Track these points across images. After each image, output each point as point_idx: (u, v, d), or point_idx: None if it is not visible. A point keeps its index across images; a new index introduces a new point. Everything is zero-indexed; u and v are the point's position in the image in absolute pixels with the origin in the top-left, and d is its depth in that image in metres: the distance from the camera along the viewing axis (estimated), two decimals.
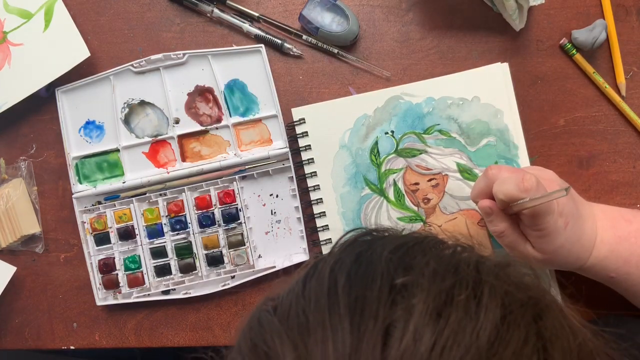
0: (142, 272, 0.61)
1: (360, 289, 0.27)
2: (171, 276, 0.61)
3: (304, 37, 0.61)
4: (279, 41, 0.61)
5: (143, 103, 0.62)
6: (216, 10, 0.61)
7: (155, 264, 0.61)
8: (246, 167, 0.61)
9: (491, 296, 0.27)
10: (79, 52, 0.60)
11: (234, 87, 0.61)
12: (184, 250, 0.61)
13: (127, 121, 0.62)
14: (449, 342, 0.24)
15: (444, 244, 0.32)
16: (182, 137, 0.62)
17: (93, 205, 0.62)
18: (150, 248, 0.61)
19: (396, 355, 0.24)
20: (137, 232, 0.61)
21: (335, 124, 0.59)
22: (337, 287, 0.28)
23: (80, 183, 0.63)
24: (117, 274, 0.61)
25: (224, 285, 0.60)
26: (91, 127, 0.63)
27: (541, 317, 0.28)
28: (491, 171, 0.47)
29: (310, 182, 0.60)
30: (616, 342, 0.32)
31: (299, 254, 0.60)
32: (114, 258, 0.62)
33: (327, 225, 0.59)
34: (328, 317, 0.26)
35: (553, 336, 0.27)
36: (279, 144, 0.61)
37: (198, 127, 0.61)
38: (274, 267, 0.60)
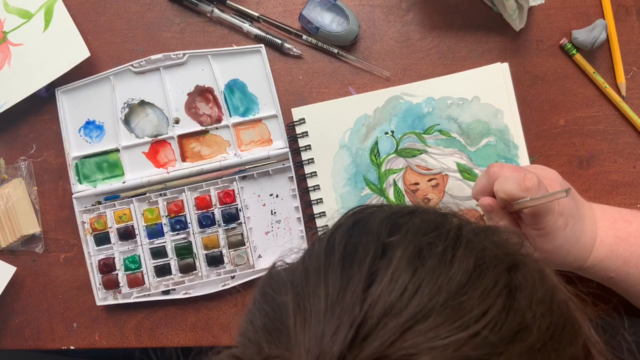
0: (142, 272, 0.61)
1: (353, 244, 0.31)
2: (171, 276, 0.61)
3: (304, 37, 0.61)
4: (279, 41, 0.61)
5: (143, 103, 0.62)
6: (216, 10, 0.61)
7: (155, 264, 0.61)
8: (246, 167, 0.61)
9: (467, 249, 0.30)
10: (79, 52, 0.60)
11: (234, 87, 0.61)
12: (184, 250, 0.61)
13: (127, 121, 0.62)
14: (423, 284, 0.28)
15: (437, 211, 0.35)
16: (182, 137, 0.62)
17: (93, 205, 0.62)
18: (150, 248, 0.61)
19: (375, 293, 0.27)
20: (137, 232, 0.61)
21: (335, 124, 0.59)
22: (335, 243, 0.32)
23: (80, 183, 0.63)
24: (117, 274, 0.61)
25: (224, 285, 0.60)
26: (91, 127, 0.63)
27: (515, 270, 0.30)
28: (493, 169, 0.47)
29: (310, 182, 0.60)
30: (595, 304, 0.34)
31: (299, 254, 0.60)
32: (114, 258, 0.62)
33: (327, 225, 0.59)
34: (324, 265, 0.30)
35: (522, 284, 0.29)
36: (279, 144, 0.61)
37: (198, 127, 0.61)
38: None
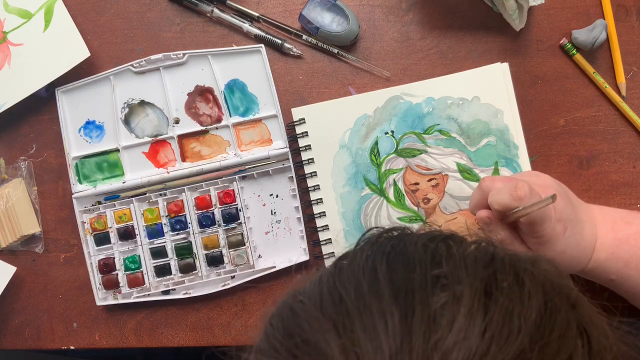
0: (142, 272, 0.61)
1: (403, 276, 0.27)
2: (171, 276, 0.61)
3: (304, 37, 0.61)
4: (279, 41, 0.61)
5: (143, 103, 0.62)
6: (216, 10, 0.61)
7: (155, 264, 0.61)
8: (246, 167, 0.61)
9: (533, 282, 0.27)
10: (79, 52, 0.60)
11: (234, 87, 0.61)
12: (184, 250, 0.61)
13: (127, 121, 0.62)
14: (499, 326, 0.25)
15: (467, 240, 0.33)
16: (182, 137, 0.62)
17: (93, 205, 0.62)
18: (150, 248, 0.61)
19: (449, 340, 0.24)
20: (137, 232, 0.61)
21: (335, 124, 0.59)
22: (378, 274, 0.28)
23: (80, 183, 0.63)
24: (117, 274, 0.61)
25: (224, 285, 0.60)
26: (91, 127, 0.63)
27: (575, 305, 0.29)
28: (484, 183, 0.47)
29: (310, 182, 0.60)
30: (630, 334, 0.32)
31: (299, 254, 0.60)
32: (114, 258, 0.62)
33: (327, 225, 0.59)
34: (374, 303, 0.26)
35: (590, 322, 0.28)
36: (279, 144, 0.61)
37: (198, 127, 0.61)
38: (274, 267, 0.60)
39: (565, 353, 0.25)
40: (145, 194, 0.62)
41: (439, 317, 0.25)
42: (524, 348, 0.24)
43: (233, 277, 0.61)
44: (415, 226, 0.58)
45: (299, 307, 0.28)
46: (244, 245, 0.60)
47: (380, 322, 0.25)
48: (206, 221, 0.60)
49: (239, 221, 0.60)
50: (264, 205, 0.61)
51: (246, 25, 0.61)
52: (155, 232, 0.61)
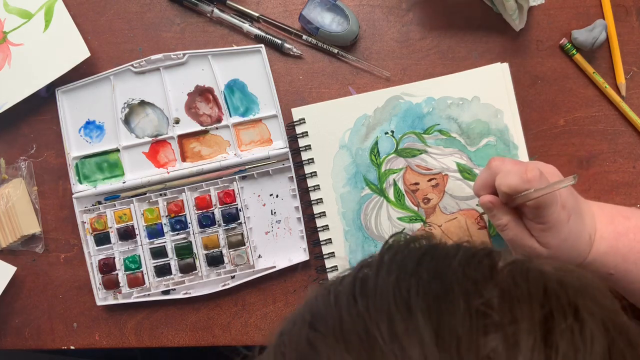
0: (142, 272, 0.61)
1: (444, 313, 0.24)
2: (171, 276, 0.61)
3: (304, 37, 0.61)
4: (279, 41, 0.61)
5: (143, 103, 0.62)
6: (216, 10, 0.61)
7: (155, 264, 0.61)
8: (246, 167, 0.61)
9: (594, 322, 0.24)
10: (79, 52, 0.60)
11: (234, 87, 0.61)
12: (184, 250, 0.61)
13: (127, 121, 0.62)
14: None
15: (523, 260, 0.29)
16: (182, 137, 0.62)
17: (93, 205, 0.62)
18: (150, 248, 0.61)
19: None
20: (137, 232, 0.61)
21: (335, 124, 0.59)
22: (413, 309, 0.24)
23: (80, 183, 0.63)
24: (117, 274, 0.61)
25: (224, 285, 0.60)
26: (91, 127, 0.63)
27: (634, 345, 0.26)
28: (494, 163, 0.47)
29: (310, 182, 0.60)
30: None
31: (299, 254, 0.60)
32: (114, 258, 0.62)
33: (327, 225, 0.59)
34: (415, 349, 0.23)
35: None
36: (279, 144, 0.61)
37: (198, 127, 0.61)
38: (274, 267, 0.60)
39: None
40: (145, 194, 0.62)
41: None
42: None
43: (233, 277, 0.61)
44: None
45: (319, 341, 0.24)
46: (244, 245, 0.60)
47: None
48: (206, 221, 0.60)
49: (239, 221, 0.60)
50: (264, 205, 0.61)
51: (246, 25, 0.61)
52: (155, 232, 0.61)
